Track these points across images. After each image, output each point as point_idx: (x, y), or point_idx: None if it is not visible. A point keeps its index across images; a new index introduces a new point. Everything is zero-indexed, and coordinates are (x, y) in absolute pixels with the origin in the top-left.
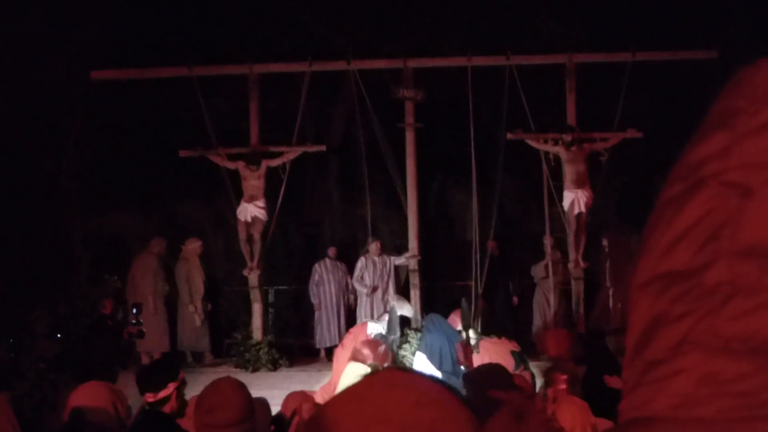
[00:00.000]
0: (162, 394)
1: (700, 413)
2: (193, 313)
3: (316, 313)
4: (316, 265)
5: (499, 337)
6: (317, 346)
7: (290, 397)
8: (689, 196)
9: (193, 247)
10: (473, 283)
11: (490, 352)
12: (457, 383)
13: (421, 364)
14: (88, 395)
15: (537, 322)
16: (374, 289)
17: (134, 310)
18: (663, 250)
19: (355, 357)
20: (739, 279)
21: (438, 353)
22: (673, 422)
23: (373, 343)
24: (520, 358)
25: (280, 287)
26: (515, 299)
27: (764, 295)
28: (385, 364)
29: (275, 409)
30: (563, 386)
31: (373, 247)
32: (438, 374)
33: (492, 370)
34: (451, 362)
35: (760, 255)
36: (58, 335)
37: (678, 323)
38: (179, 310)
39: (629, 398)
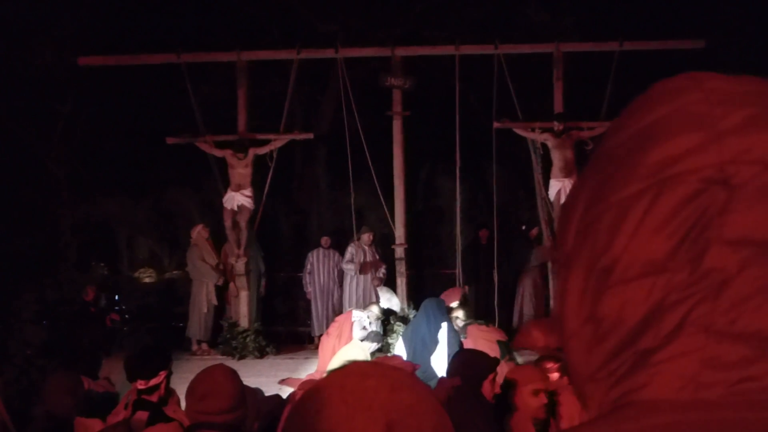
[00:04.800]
0: (153, 381)
1: (704, 395)
2: (203, 300)
3: (311, 302)
4: (310, 254)
5: (487, 325)
6: (312, 335)
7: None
8: (659, 192)
9: (198, 231)
10: (457, 270)
11: (478, 339)
12: (431, 372)
13: (401, 350)
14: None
15: (527, 311)
16: (363, 268)
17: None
18: (641, 243)
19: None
20: (733, 267)
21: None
22: (676, 404)
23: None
24: (507, 348)
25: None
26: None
27: (758, 284)
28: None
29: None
30: (556, 374)
31: (365, 238)
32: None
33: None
34: (426, 353)
35: (751, 245)
36: (44, 321)
37: (673, 310)
38: (190, 297)
39: (619, 386)
